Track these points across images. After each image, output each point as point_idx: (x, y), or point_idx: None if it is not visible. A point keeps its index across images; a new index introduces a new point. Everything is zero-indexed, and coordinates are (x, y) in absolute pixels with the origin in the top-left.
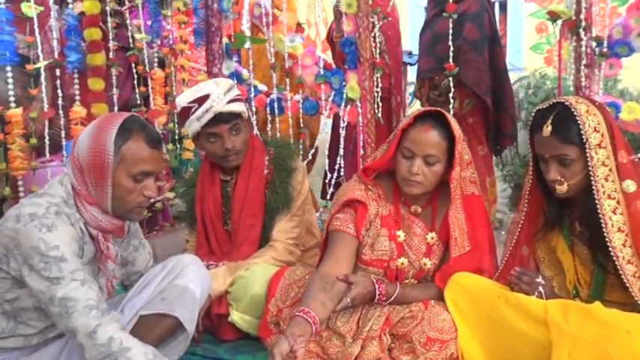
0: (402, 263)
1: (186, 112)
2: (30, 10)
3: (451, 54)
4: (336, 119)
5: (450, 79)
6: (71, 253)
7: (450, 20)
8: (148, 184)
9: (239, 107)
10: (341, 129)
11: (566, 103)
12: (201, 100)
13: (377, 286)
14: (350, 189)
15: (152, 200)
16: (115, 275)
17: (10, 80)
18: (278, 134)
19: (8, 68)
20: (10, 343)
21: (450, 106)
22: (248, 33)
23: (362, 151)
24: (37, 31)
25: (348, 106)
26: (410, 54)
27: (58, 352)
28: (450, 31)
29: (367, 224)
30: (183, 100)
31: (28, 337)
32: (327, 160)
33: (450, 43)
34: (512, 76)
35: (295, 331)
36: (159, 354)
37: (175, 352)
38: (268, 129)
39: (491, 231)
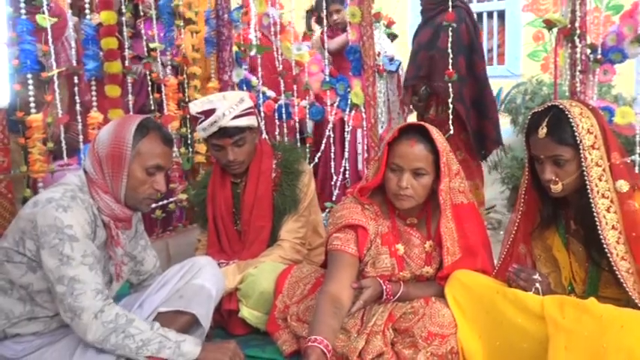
0: (404, 276)
1: (195, 120)
2: (44, 21)
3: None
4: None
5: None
6: (83, 234)
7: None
8: (158, 179)
9: (245, 122)
10: (346, 133)
11: (561, 107)
12: (207, 113)
13: (385, 286)
14: (347, 212)
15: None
16: (124, 261)
17: (31, 87)
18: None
19: (29, 75)
20: (30, 327)
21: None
22: (256, 42)
23: (366, 155)
24: (50, 40)
25: (353, 111)
26: (391, 60)
27: (77, 340)
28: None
29: (369, 245)
30: (193, 108)
31: (46, 321)
32: (332, 164)
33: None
34: (510, 83)
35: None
36: (157, 323)
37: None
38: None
39: (484, 235)
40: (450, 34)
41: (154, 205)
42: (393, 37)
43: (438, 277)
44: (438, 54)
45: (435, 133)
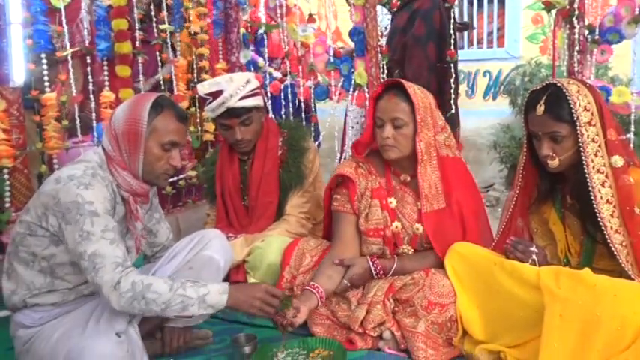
0: (397, 227)
1: (203, 102)
2: (58, 2)
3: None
4: None
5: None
6: (104, 210)
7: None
8: (173, 155)
9: (252, 102)
10: (349, 112)
11: (559, 84)
12: (215, 95)
13: (372, 263)
14: (341, 166)
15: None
16: (143, 235)
17: (45, 67)
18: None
19: (43, 55)
20: (49, 298)
21: None
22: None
23: None
24: (64, 21)
25: (357, 91)
26: None
27: (92, 309)
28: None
29: (359, 198)
30: (201, 90)
31: (65, 292)
32: (336, 142)
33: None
34: (509, 65)
35: (301, 299)
36: (174, 278)
37: (201, 317)
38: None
39: (475, 193)
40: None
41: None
42: None
43: (428, 231)
44: (411, 40)
45: (411, 87)
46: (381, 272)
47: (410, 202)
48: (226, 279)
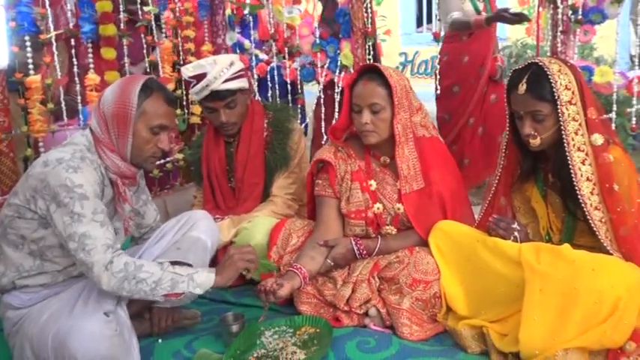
0: (378, 208)
1: (189, 84)
2: None
3: None
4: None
5: None
6: (93, 193)
7: None
8: (162, 138)
9: (236, 84)
10: (336, 94)
11: (540, 64)
12: (199, 78)
13: (354, 244)
14: (321, 151)
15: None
16: (131, 217)
17: (29, 49)
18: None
19: (27, 37)
20: (38, 280)
21: None
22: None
23: None
24: (47, 3)
25: (343, 73)
26: None
27: (80, 290)
28: None
29: (339, 181)
30: (185, 73)
31: (54, 274)
32: (323, 124)
33: None
34: None
35: (285, 278)
36: (167, 262)
37: (188, 297)
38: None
39: (454, 172)
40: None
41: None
42: None
43: (408, 211)
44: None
45: (388, 70)
46: (365, 252)
47: (390, 182)
48: (214, 260)
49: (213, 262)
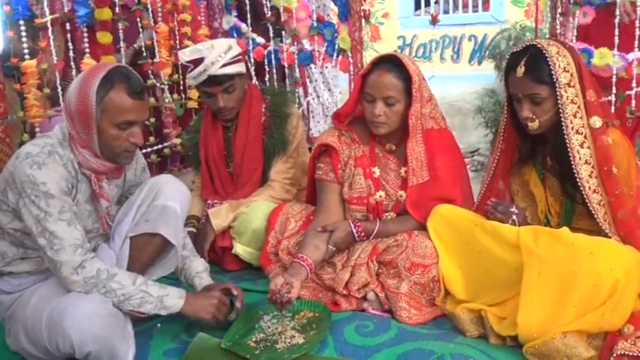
0: (380, 196)
1: (186, 69)
2: None
3: None
4: None
5: None
6: (58, 190)
7: None
8: (133, 132)
9: (234, 69)
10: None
11: (539, 46)
12: (196, 62)
13: (353, 226)
14: (324, 135)
15: (158, 146)
16: (110, 213)
17: (24, 34)
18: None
19: (21, 22)
20: (23, 267)
21: None
22: None
23: None
24: None
25: (340, 56)
26: None
27: None
28: None
29: (342, 166)
30: (182, 57)
31: (38, 260)
32: (320, 107)
33: None
34: (495, 29)
35: (291, 272)
36: (141, 277)
37: (167, 268)
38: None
39: (457, 162)
40: None
41: (149, 150)
42: None
43: (407, 201)
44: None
45: (407, 60)
46: (363, 235)
47: (393, 168)
48: (213, 245)
49: (212, 247)
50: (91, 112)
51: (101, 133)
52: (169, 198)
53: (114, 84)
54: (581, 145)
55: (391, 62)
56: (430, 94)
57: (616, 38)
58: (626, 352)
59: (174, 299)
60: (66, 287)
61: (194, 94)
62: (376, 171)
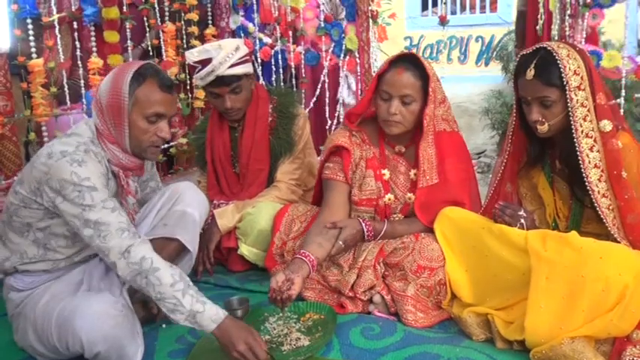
0: (389, 199)
1: (193, 68)
2: None
3: None
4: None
5: None
6: (101, 184)
7: None
8: (161, 126)
9: (241, 70)
10: (340, 79)
11: (549, 48)
12: (204, 63)
13: (364, 224)
14: (335, 137)
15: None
16: (135, 209)
17: (31, 32)
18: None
19: (29, 21)
20: (39, 266)
21: None
22: None
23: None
24: None
25: (347, 57)
26: None
27: (81, 274)
28: None
29: (353, 167)
30: (190, 57)
31: (56, 261)
32: (327, 108)
33: None
34: (502, 30)
35: (292, 268)
36: (184, 276)
37: (182, 271)
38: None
39: (466, 166)
40: None
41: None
42: None
43: (416, 202)
44: None
45: (424, 59)
46: (372, 234)
47: (402, 171)
48: (218, 246)
49: (218, 248)
50: (123, 104)
51: (131, 127)
52: (189, 205)
53: (146, 78)
54: (591, 149)
55: (409, 61)
56: (444, 95)
57: None
58: (635, 358)
59: (207, 320)
60: (116, 272)
61: (200, 93)
62: (386, 173)
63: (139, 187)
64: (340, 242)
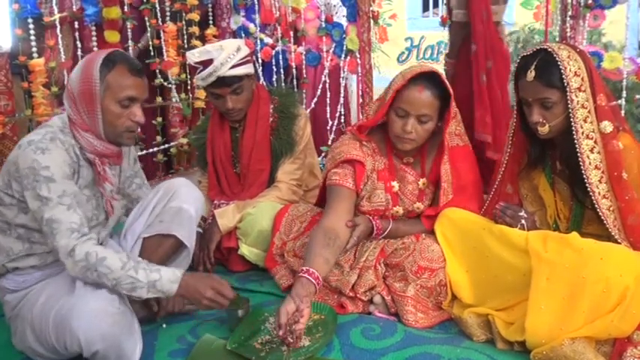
0: (397, 212)
1: (194, 69)
2: None
3: None
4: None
5: None
6: (61, 175)
7: None
8: (134, 110)
9: (242, 70)
10: (341, 79)
11: (549, 50)
12: (205, 63)
13: (374, 222)
14: (346, 148)
15: (165, 145)
16: (114, 197)
17: (32, 32)
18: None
19: (30, 20)
20: (28, 262)
21: None
22: None
23: (360, 100)
24: None
25: (348, 57)
26: None
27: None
28: None
29: (365, 179)
30: (191, 58)
31: (43, 255)
32: (328, 109)
33: None
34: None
35: (300, 292)
36: (132, 256)
37: (180, 268)
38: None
39: (476, 175)
40: None
41: (156, 149)
42: None
43: (425, 215)
44: None
45: (442, 77)
46: (380, 232)
47: (410, 181)
48: (219, 246)
49: (218, 248)
50: (95, 90)
51: (104, 112)
52: (185, 201)
53: (115, 63)
54: (592, 150)
55: (428, 78)
56: (456, 110)
57: None
58: (635, 359)
59: (167, 284)
60: (68, 272)
61: (201, 93)
62: (395, 185)
63: (119, 177)
64: (355, 238)
